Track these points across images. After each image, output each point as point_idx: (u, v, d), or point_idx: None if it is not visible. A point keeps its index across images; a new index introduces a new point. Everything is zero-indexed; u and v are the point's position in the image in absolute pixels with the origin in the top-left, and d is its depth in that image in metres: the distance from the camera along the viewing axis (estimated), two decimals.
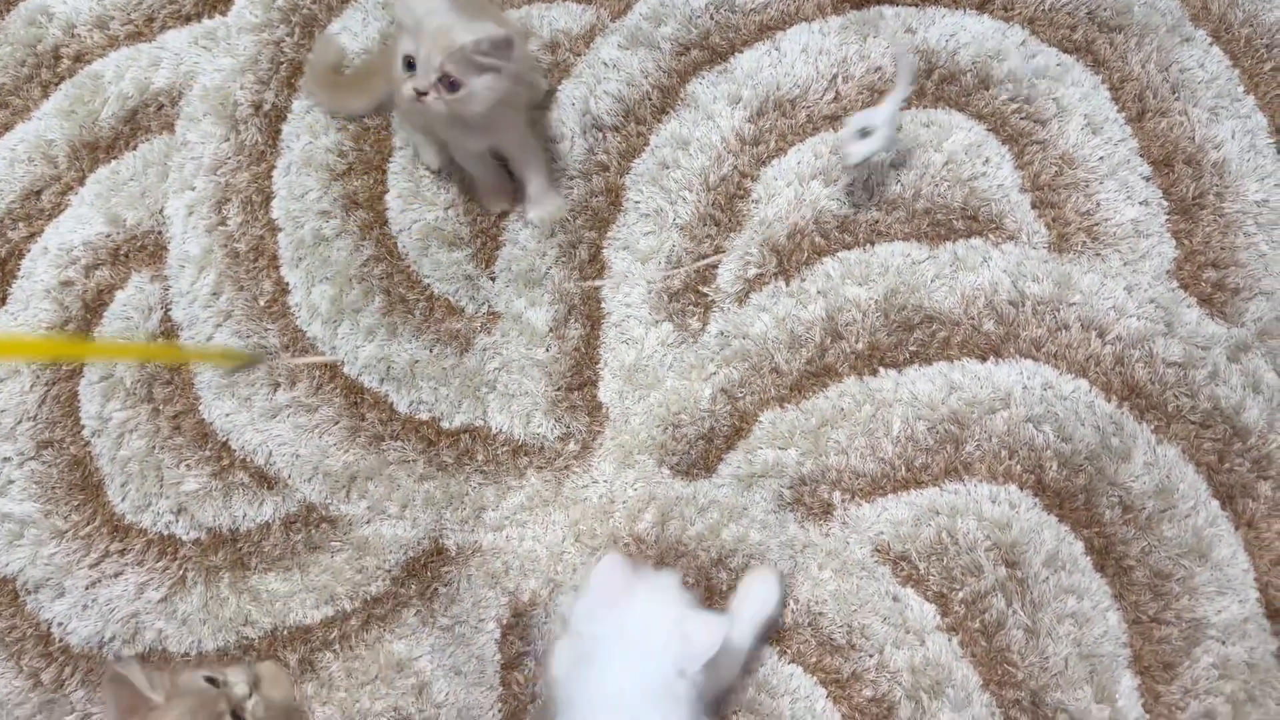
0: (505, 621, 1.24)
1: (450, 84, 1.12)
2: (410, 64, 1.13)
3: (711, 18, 1.41)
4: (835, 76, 1.37)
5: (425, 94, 1.12)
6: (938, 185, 1.32)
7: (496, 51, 1.12)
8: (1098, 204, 1.30)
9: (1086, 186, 1.31)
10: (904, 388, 1.25)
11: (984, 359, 1.26)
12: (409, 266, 1.37)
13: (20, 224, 1.43)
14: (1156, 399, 1.23)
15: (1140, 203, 1.30)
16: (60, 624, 1.28)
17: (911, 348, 1.27)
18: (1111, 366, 1.25)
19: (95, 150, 1.45)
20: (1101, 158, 1.32)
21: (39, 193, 1.44)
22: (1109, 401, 1.24)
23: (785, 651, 1.20)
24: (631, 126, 1.39)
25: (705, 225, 1.34)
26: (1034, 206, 1.31)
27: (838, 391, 1.26)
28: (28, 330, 1.38)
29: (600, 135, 1.39)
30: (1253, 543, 1.18)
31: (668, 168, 1.37)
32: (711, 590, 1.22)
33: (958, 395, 1.24)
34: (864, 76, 1.36)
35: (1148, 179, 1.31)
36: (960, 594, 1.19)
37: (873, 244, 1.31)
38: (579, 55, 1.43)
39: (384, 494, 1.28)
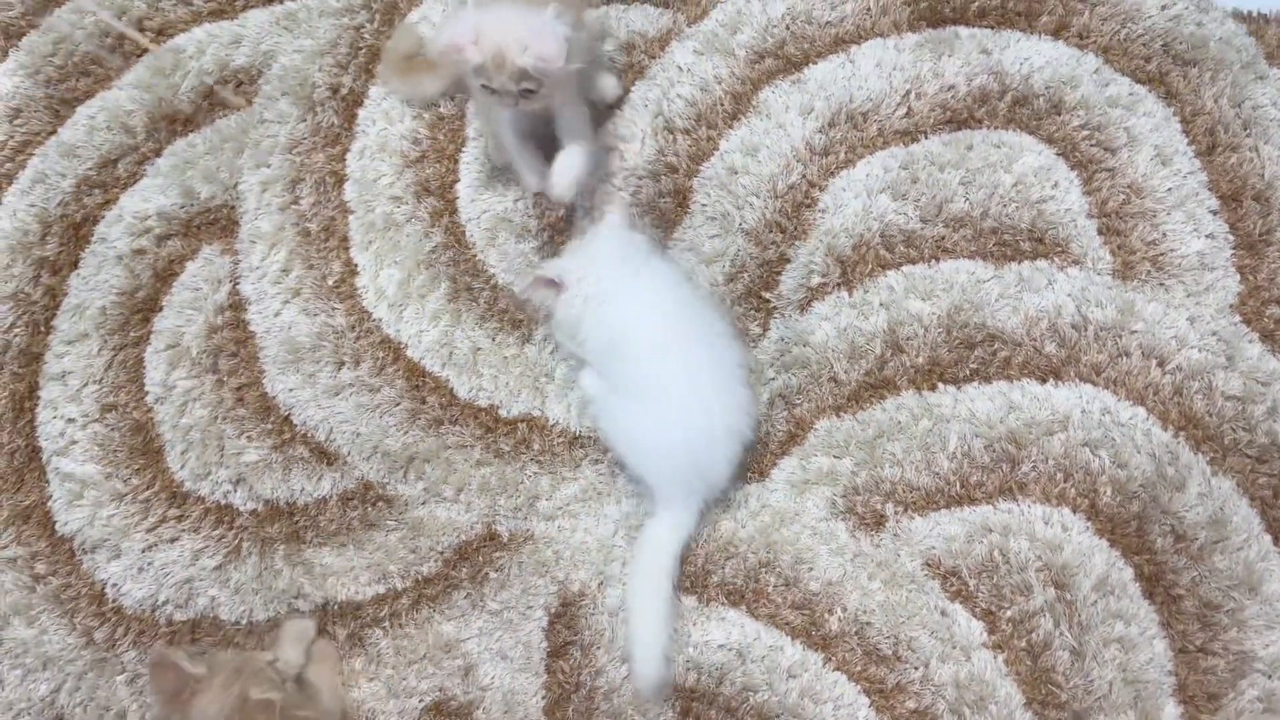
0: (553, 610, 1.25)
1: (527, 94, 1.17)
2: (483, 73, 1.16)
3: (787, 28, 1.43)
4: (909, 93, 1.38)
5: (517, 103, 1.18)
6: (1006, 206, 1.33)
7: (558, 61, 1.14)
8: (1164, 234, 1.31)
9: (1154, 216, 1.32)
10: (962, 405, 1.26)
11: (1044, 381, 1.27)
12: (476, 255, 1.39)
13: (96, 191, 1.45)
14: (1214, 431, 1.24)
15: (1206, 236, 1.31)
16: (115, 585, 1.30)
17: (972, 365, 1.28)
18: (1170, 396, 1.25)
19: (173, 123, 1.47)
20: (1170, 189, 1.33)
21: (116, 161, 1.46)
22: (1166, 430, 1.24)
23: (831, 659, 1.21)
24: (702, 130, 1.41)
25: (771, 231, 1.36)
26: (1100, 233, 1.32)
27: (895, 404, 1.27)
28: (98, 296, 1.40)
29: (671, 137, 1.41)
30: None
31: (736, 173, 1.38)
32: (759, 593, 1.23)
33: (1016, 415, 1.25)
34: (937, 94, 1.38)
35: (1215, 213, 1.32)
36: (1008, 612, 1.20)
37: (938, 260, 1.32)
38: (654, 58, 1.44)
39: (440, 477, 1.30)
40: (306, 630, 1.25)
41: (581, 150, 1.32)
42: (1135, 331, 1.27)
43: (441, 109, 1.44)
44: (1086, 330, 1.28)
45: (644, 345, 1.17)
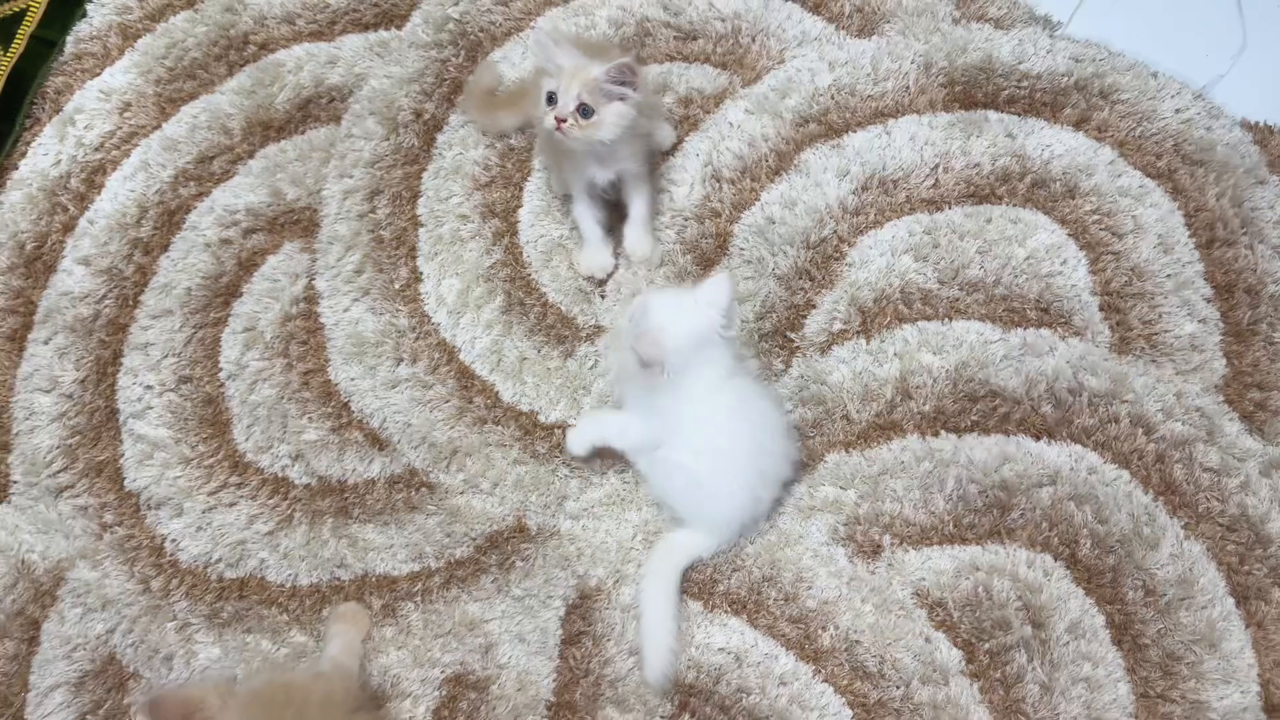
0: (571, 601, 1.36)
1: (585, 110, 1.29)
2: (552, 98, 1.30)
3: (832, 97, 1.57)
4: (937, 166, 1.51)
5: (564, 121, 1.29)
6: (1017, 276, 1.45)
7: (623, 76, 1.29)
8: (1160, 316, 1.43)
9: (1152, 299, 1.44)
10: (962, 452, 1.38)
11: (1038, 438, 1.38)
12: (530, 275, 1.52)
13: (191, 183, 1.60)
14: (1190, 498, 1.35)
15: (1199, 321, 1.43)
16: (174, 540, 1.42)
17: (973, 417, 1.39)
18: (1153, 462, 1.37)
19: (268, 129, 1.62)
20: (1169, 275, 1.45)
21: (212, 158, 1.61)
22: (1146, 494, 1.35)
23: (820, 671, 1.31)
24: (746, 182, 1.54)
25: (800, 279, 1.49)
26: (1102, 309, 1.44)
27: (900, 446, 1.39)
28: (185, 278, 1.54)
29: (717, 185, 1.54)
30: (1260, 642, 1.29)
31: (774, 223, 1.51)
32: (760, 605, 1.34)
33: (1010, 466, 1.37)
34: (963, 170, 1.51)
35: (1209, 300, 1.44)
36: (987, 645, 1.31)
37: (951, 319, 1.44)
38: (708, 113, 1.59)
39: (479, 471, 1.42)
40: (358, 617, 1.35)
41: (645, 220, 1.48)
42: (1126, 401, 1.39)
43: (512, 141, 1.58)
44: (1081, 396, 1.39)
45: (716, 413, 1.29)
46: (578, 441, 1.39)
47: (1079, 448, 1.38)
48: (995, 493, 1.36)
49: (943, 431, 1.39)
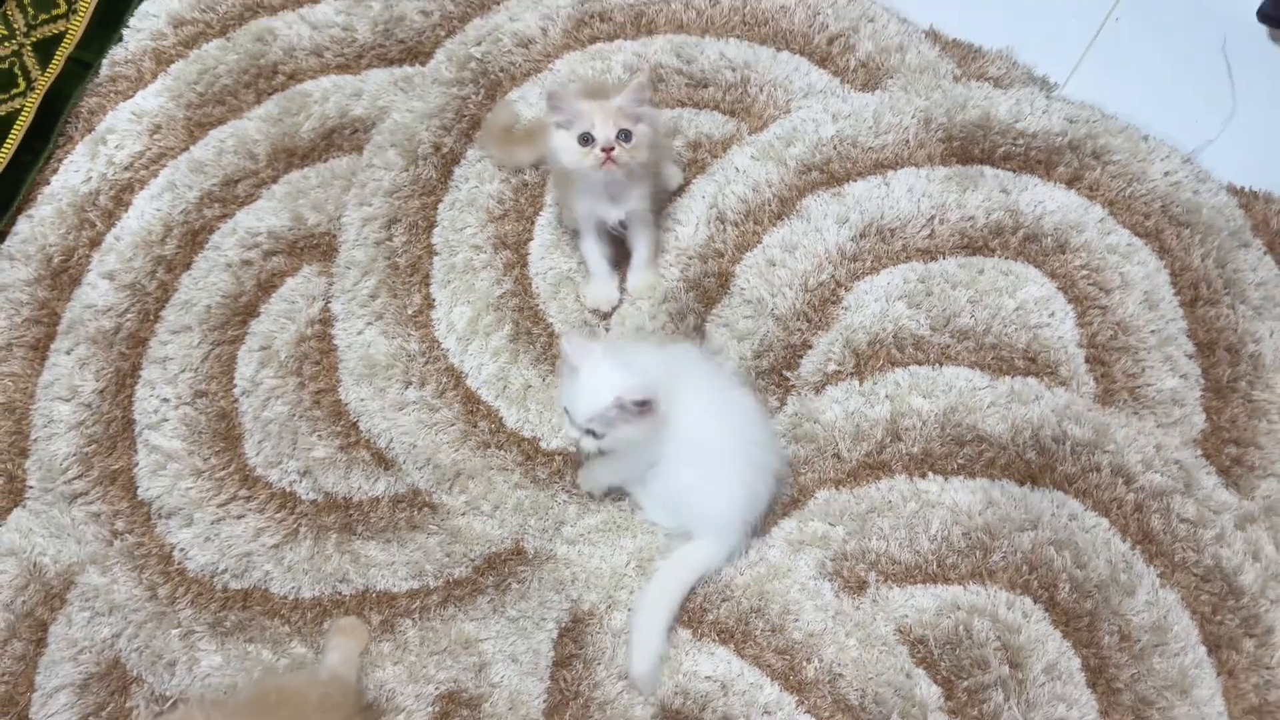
0: (564, 624, 1.40)
1: (625, 135, 1.36)
2: (587, 139, 1.36)
3: (834, 148, 1.63)
4: (933, 217, 1.57)
5: (611, 150, 1.35)
6: (1006, 326, 1.51)
7: (643, 95, 1.36)
8: (1143, 369, 1.48)
9: (1136, 353, 1.49)
10: (948, 494, 1.42)
11: (1021, 483, 1.43)
12: (538, 305, 1.58)
13: (216, 204, 1.66)
14: (1166, 548, 1.40)
15: (1181, 376, 1.48)
16: (182, 549, 1.47)
17: (960, 460, 1.44)
18: (1131, 512, 1.41)
19: (292, 156, 1.68)
20: (1153, 331, 1.50)
21: (237, 182, 1.67)
22: (1124, 542, 1.40)
23: (804, 702, 1.35)
24: (749, 225, 1.60)
25: (798, 320, 1.54)
26: (1087, 361, 1.50)
27: (888, 485, 1.44)
28: (205, 296, 1.60)
29: (721, 227, 1.60)
30: (1230, 690, 1.33)
31: (774, 265, 1.57)
32: (747, 635, 1.39)
33: (993, 510, 1.42)
34: (958, 222, 1.57)
35: (1190, 356, 1.49)
36: (966, 682, 1.35)
37: (941, 365, 1.49)
38: (716, 157, 1.65)
39: (481, 493, 1.47)
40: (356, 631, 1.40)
41: (648, 260, 1.55)
42: (1107, 451, 1.44)
43: (526, 176, 1.65)
44: (1064, 444, 1.44)
45: (698, 417, 1.34)
46: (592, 483, 1.45)
47: (1061, 494, 1.43)
48: (978, 535, 1.41)
49: (930, 473, 1.44)
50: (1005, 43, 1.69)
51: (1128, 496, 1.42)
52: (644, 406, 1.26)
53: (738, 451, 1.35)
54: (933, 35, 1.71)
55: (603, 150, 1.35)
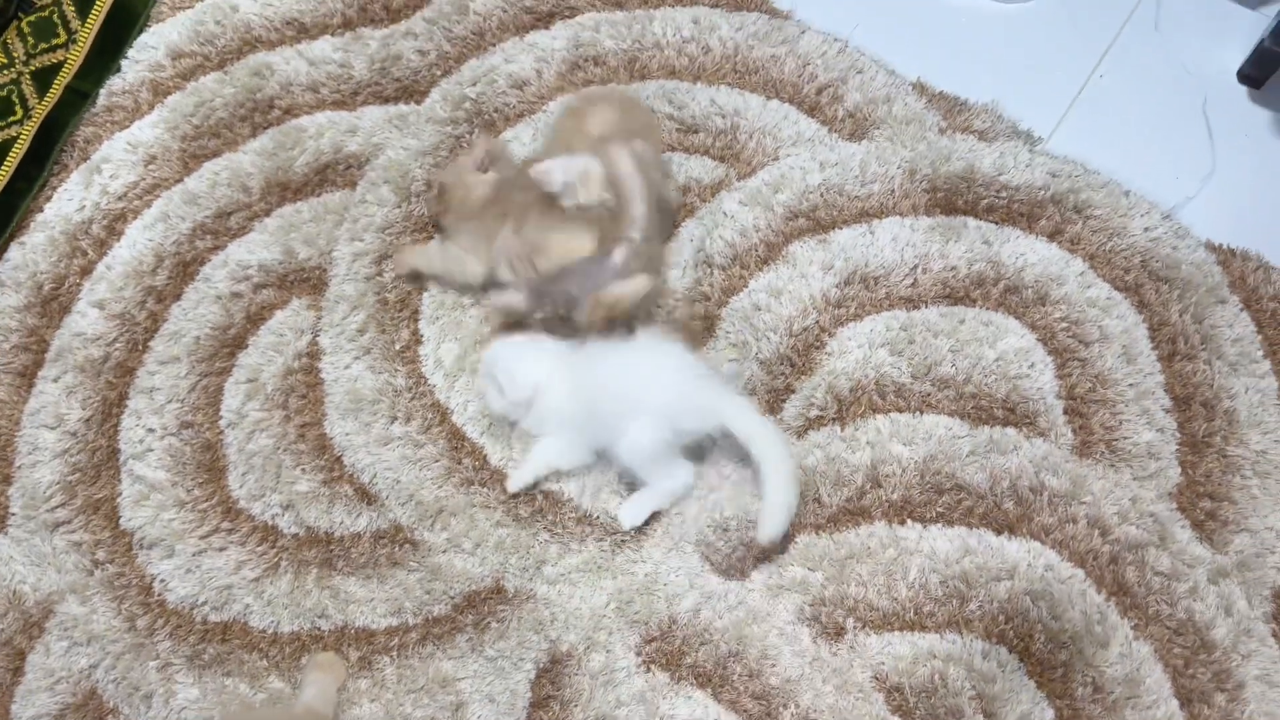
0: (542, 665, 1.41)
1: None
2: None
3: (821, 195, 1.66)
4: (916, 267, 1.60)
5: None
6: (986, 376, 1.53)
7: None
8: (1120, 422, 1.50)
9: (1114, 406, 1.51)
10: (926, 542, 1.44)
11: (999, 533, 1.45)
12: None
13: (208, 236, 1.67)
14: (1140, 600, 1.41)
15: (1157, 430, 1.50)
16: (163, 581, 1.47)
17: (939, 508, 1.46)
18: (1107, 564, 1.43)
19: (285, 190, 1.70)
20: (1131, 384, 1.52)
21: (229, 214, 1.69)
22: (1099, 593, 1.41)
23: None
24: (736, 269, 1.63)
25: (781, 364, 1.56)
26: (1066, 413, 1.52)
27: (868, 532, 1.45)
28: (194, 327, 1.61)
29: (708, 270, 1.62)
30: None
31: (760, 310, 1.59)
32: (725, 679, 1.39)
33: (970, 559, 1.43)
34: (940, 272, 1.59)
35: (1167, 411, 1.51)
36: None
37: (922, 413, 1.51)
38: (704, 201, 1.67)
39: (463, 530, 1.48)
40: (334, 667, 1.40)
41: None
42: (1084, 502, 1.45)
43: None
44: (1042, 495, 1.46)
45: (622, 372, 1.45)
46: (517, 479, 1.49)
47: (1038, 545, 1.44)
48: (955, 583, 1.42)
49: (909, 520, 1.46)
50: (991, 97, 1.73)
51: (1103, 548, 1.43)
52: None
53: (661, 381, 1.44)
54: (920, 88, 1.74)
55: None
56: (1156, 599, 1.41)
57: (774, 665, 1.39)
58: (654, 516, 1.48)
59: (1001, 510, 1.46)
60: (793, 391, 1.55)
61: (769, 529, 1.40)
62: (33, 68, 1.77)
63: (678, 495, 1.47)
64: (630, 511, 1.47)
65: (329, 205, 1.69)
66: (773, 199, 1.66)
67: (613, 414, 1.42)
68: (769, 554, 1.45)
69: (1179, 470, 1.48)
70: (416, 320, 1.60)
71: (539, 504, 1.49)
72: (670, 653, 1.41)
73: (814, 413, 1.52)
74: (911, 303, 1.58)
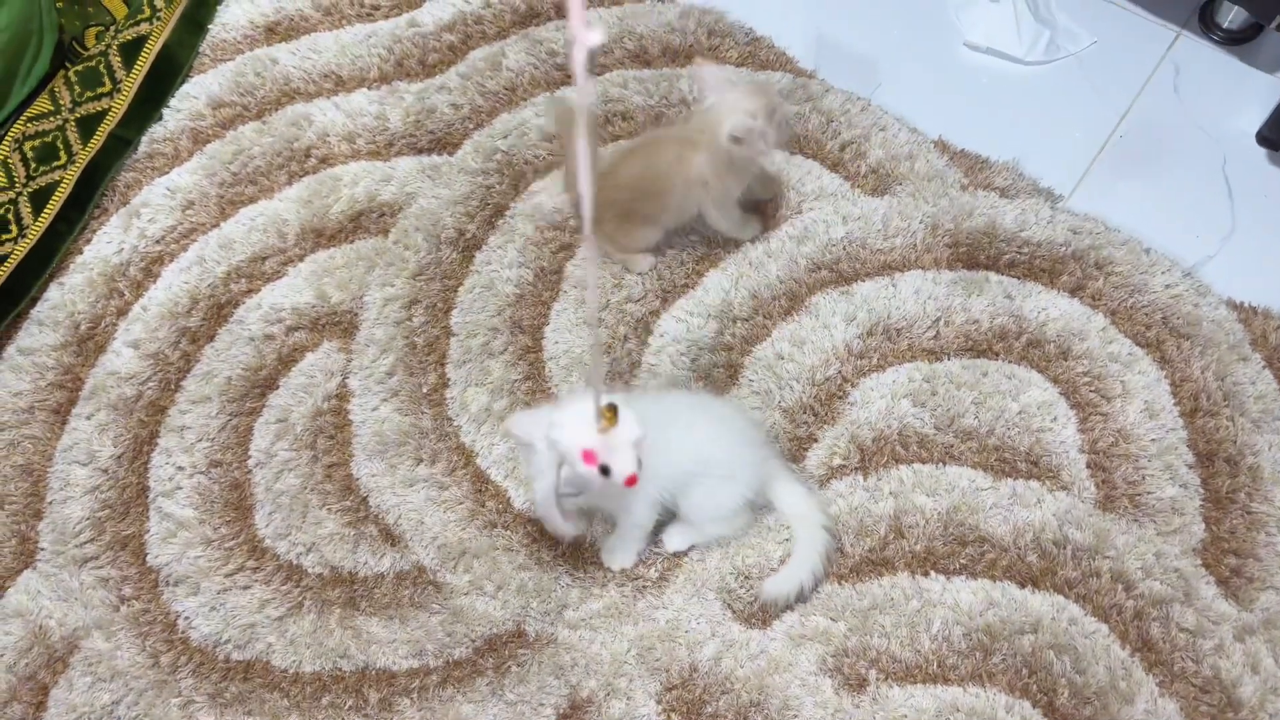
0: (561, 710, 1.40)
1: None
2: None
3: (844, 248, 1.69)
4: (939, 319, 1.62)
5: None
6: (1010, 429, 1.54)
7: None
8: (1144, 477, 1.50)
9: (1137, 461, 1.51)
10: (949, 594, 1.44)
11: (1023, 585, 1.44)
12: (551, 389, 1.61)
13: (243, 280, 1.71)
14: (1165, 656, 1.40)
15: (1180, 485, 1.50)
16: (187, 618, 1.48)
17: (962, 560, 1.46)
18: (1131, 619, 1.42)
19: (320, 236, 1.74)
20: (1154, 439, 1.53)
21: (265, 259, 1.73)
22: (1124, 649, 1.40)
23: None
24: (759, 319, 1.65)
25: (805, 413, 1.57)
26: (1089, 467, 1.52)
27: (890, 583, 1.45)
28: (226, 368, 1.64)
29: (731, 321, 1.65)
30: None
31: (783, 359, 1.61)
32: None
33: (994, 611, 1.42)
34: (963, 325, 1.61)
35: (1190, 466, 1.52)
36: None
37: (945, 464, 1.52)
38: (729, 252, 1.70)
39: (485, 573, 1.48)
40: None
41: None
42: (1108, 557, 1.45)
43: (544, 264, 1.70)
44: (1066, 548, 1.46)
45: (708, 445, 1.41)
46: (623, 558, 1.47)
47: (1061, 598, 1.44)
48: (979, 636, 1.41)
49: (932, 572, 1.45)
50: (1012, 155, 1.76)
51: (1127, 603, 1.43)
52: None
53: (737, 446, 1.43)
54: (941, 145, 1.77)
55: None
56: (1182, 655, 1.40)
57: (795, 716, 1.38)
58: (677, 564, 1.48)
59: (1025, 563, 1.46)
60: (816, 440, 1.56)
61: (775, 590, 1.42)
62: (78, 115, 1.83)
63: (722, 537, 1.48)
64: (675, 538, 1.48)
65: (362, 251, 1.72)
66: (796, 251, 1.68)
67: (689, 474, 1.40)
68: (790, 604, 1.45)
69: (1203, 526, 1.48)
70: (444, 365, 1.63)
71: (562, 548, 1.50)
72: (691, 701, 1.40)
73: (837, 462, 1.53)
74: (934, 355, 1.60)
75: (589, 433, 1.18)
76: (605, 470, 1.18)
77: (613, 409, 1.17)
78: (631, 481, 1.18)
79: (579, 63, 0.82)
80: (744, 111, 1.48)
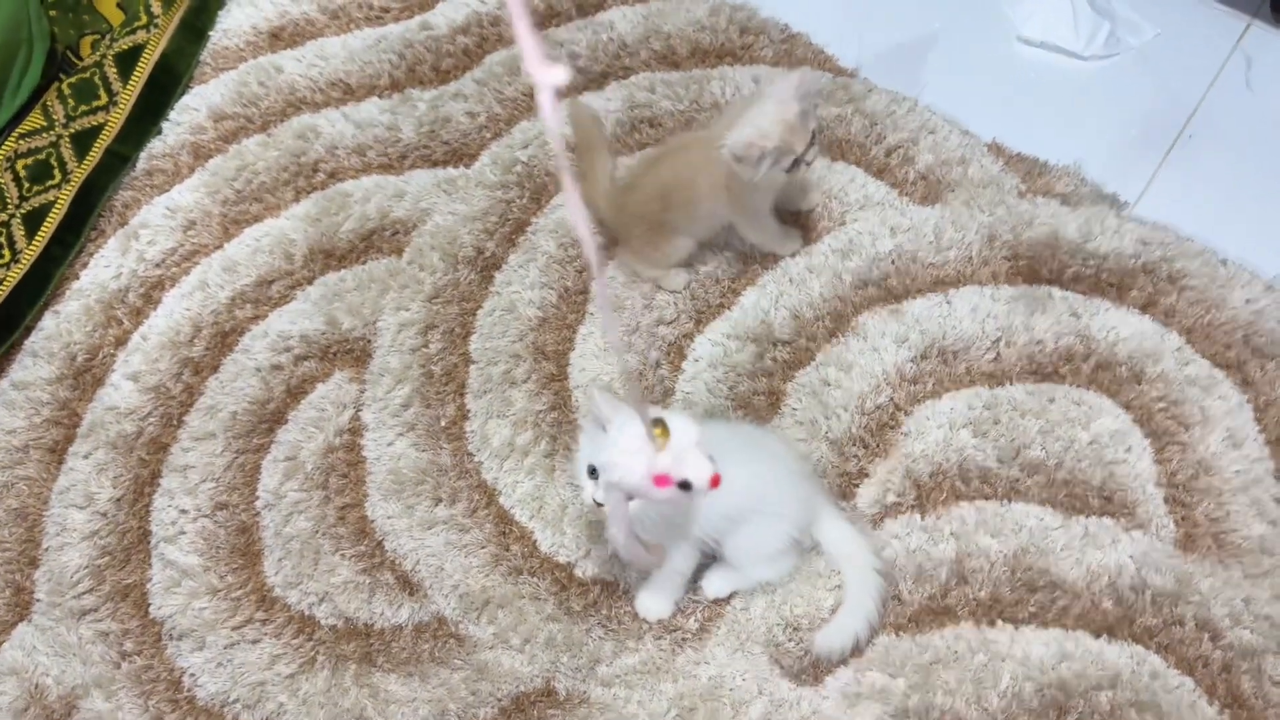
0: None
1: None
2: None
3: (893, 263, 1.56)
4: (999, 340, 1.49)
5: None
6: (1080, 461, 1.41)
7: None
8: (1228, 514, 1.37)
9: (1219, 495, 1.38)
10: (1018, 645, 1.31)
11: (1098, 635, 1.32)
12: (577, 420, 1.50)
13: (248, 305, 1.60)
14: (1258, 713, 1.27)
15: (1269, 522, 1.37)
16: (193, 675, 1.38)
17: (1031, 608, 1.33)
18: (1219, 671, 1.29)
19: (329, 257, 1.63)
20: (1238, 471, 1.40)
21: (271, 282, 1.62)
22: (1211, 705, 1.28)
23: None
24: (802, 341, 1.52)
25: (854, 445, 1.45)
26: (1167, 502, 1.39)
27: (954, 634, 1.33)
28: (231, 402, 1.53)
29: (771, 344, 1.52)
30: None
31: (829, 385, 1.49)
32: None
33: (1068, 664, 1.30)
34: (1025, 346, 1.48)
35: (1279, 501, 1.38)
36: None
37: (1010, 500, 1.39)
38: (766, 269, 1.58)
39: (511, 624, 1.37)
40: None
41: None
42: (1191, 602, 1.32)
43: (569, 283, 1.58)
44: (1144, 594, 1.33)
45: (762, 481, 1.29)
46: (660, 607, 1.37)
47: (1141, 649, 1.31)
48: (1052, 692, 1.29)
49: (999, 621, 1.33)
50: (1072, 158, 1.63)
51: (1214, 654, 1.30)
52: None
53: (786, 480, 1.33)
54: (996, 149, 1.64)
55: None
56: (1276, 712, 1.27)
57: None
58: (719, 613, 1.37)
59: (1100, 610, 1.33)
60: (867, 475, 1.43)
61: (828, 643, 1.31)
62: (72, 130, 1.72)
63: (766, 581, 1.36)
64: (716, 583, 1.37)
65: (374, 273, 1.61)
66: (840, 266, 1.56)
67: (742, 511, 1.28)
68: (844, 657, 1.33)
69: None
70: (463, 395, 1.52)
71: (593, 596, 1.39)
72: None
73: (891, 499, 1.41)
74: (995, 379, 1.47)
75: (649, 457, 1.04)
76: (686, 485, 1.05)
77: (659, 422, 1.04)
78: (716, 481, 1.04)
79: (546, 106, 0.70)
80: (756, 129, 1.34)
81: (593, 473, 1.16)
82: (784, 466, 1.34)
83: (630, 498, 1.11)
